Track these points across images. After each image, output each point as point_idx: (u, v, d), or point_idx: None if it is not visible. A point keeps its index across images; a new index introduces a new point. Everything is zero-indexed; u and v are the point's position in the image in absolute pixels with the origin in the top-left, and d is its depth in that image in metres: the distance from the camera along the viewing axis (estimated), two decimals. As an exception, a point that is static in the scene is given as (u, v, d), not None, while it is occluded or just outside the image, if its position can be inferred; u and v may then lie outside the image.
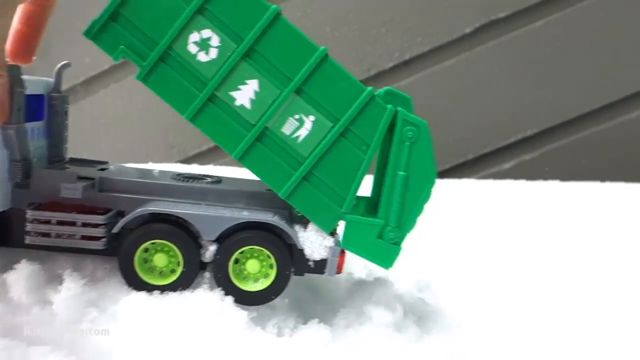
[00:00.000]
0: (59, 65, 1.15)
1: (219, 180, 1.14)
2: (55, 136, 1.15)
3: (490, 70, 2.59)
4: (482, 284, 1.40)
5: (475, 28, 2.53)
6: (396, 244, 1.05)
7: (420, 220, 1.59)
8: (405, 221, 1.05)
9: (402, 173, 1.03)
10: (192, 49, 1.00)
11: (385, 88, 1.05)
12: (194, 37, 1.00)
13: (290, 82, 1.00)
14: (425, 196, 1.04)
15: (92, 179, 1.08)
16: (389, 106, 1.02)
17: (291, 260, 1.06)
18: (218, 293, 1.03)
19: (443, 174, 2.60)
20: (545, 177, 2.38)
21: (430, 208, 1.83)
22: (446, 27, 2.55)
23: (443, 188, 2.12)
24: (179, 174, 1.14)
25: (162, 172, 1.16)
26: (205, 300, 1.00)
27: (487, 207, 1.86)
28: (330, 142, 1.01)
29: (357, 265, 1.35)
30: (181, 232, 1.03)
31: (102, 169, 1.16)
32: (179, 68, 1.00)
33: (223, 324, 0.97)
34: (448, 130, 2.65)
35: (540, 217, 1.82)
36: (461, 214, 1.85)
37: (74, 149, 1.22)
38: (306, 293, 1.20)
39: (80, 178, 1.07)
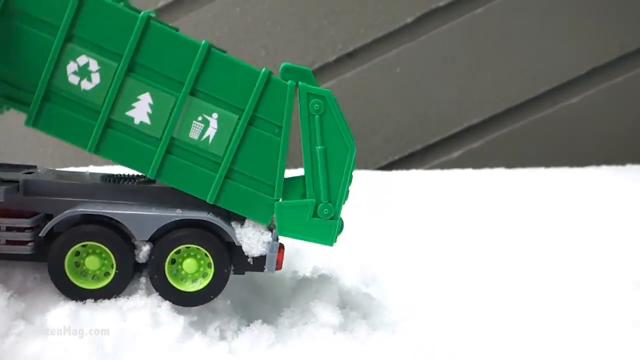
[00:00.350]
0: None
1: (152, 180, 1.09)
2: None
3: (434, 60, 2.59)
4: (429, 276, 1.39)
5: (417, 17, 2.52)
6: (333, 219, 1.02)
7: (367, 213, 1.59)
8: (336, 194, 1.02)
9: (319, 147, 1.00)
10: (74, 79, 0.96)
11: (283, 64, 1.01)
12: (72, 67, 0.96)
13: (182, 85, 0.96)
14: (349, 164, 1.01)
15: (16, 181, 1.03)
16: (289, 82, 0.98)
17: (229, 258, 1.03)
18: (155, 298, 0.99)
19: (392, 166, 2.59)
20: (492, 166, 2.39)
21: (376, 201, 1.84)
22: (388, 17, 2.53)
23: (390, 180, 2.13)
24: (110, 175, 1.10)
25: (92, 175, 1.12)
26: (141, 308, 0.97)
27: (434, 198, 1.86)
28: (240, 134, 0.98)
29: (301, 262, 1.32)
30: (112, 232, 1.00)
31: (29, 173, 1.11)
32: (67, 103, 0.96)
33: (160, 332, 0.94)
34: (395, 121, 2.64)
35: (486, 205, 1.82)
36: (407, 205, 1.84)
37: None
38: (250, 293, 1.17)
39: (4, 181, 1.02)
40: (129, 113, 0.97)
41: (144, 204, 1.04)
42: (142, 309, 0.97)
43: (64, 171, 1.17)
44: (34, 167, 1.15)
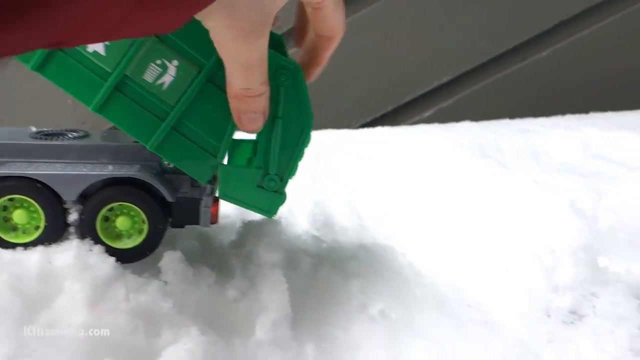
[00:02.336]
0: None
1: (85, 134, 1.07)
2: None
3: (403, 20, 2.58)
4: (382, 221, 1.41)
5: (382, -24, 2.52)
6: (278, 192, 0.99)
7: (326, 169, 1.58)
8: (284, 168, 0.98)
9: (278, 120, 0.95)
10: None
11: None
12: None
13: None
14: (304, 140, 0.98)
15: None
16: None
17: (163, 213, 1.02)
18: (86, 243, 0.99)
19: (363, 127, 2.59)
20: (461, 120, 2.38)
21: (339, 157, 1.85)
22: (354, -22, 2.53)
23: (355, 138, 2.13)
24: (40, 131, 1.07)
25: (20, 131, 1.08)
26: (69, 250, 0.97)
27: (394, 152, 1.87)
28: (197, 88, 0.93)
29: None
30: (37, 184, 0.98)
31: None
32: None
33: (88, 274, 0.94)
34: (365, 83, 2.64)
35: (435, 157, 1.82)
36: (369, 160, 1.85)
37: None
38: (195, 240, 1.18)
39: None
40: None
41: (74, 162, 1.01)
42: (69, 251, 0.96)
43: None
44: None
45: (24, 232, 1.01)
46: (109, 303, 0.90)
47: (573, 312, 0.97)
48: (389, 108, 2.72)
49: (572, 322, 0.95)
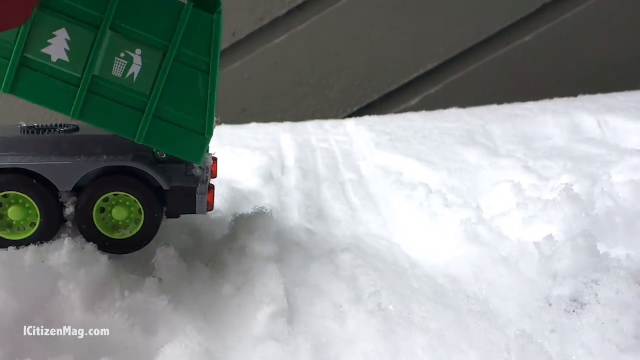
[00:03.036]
0: None
1: (76, 128, 1.06)
2: None
3: (386, 7, 2.56)
4: (375, 214, 1.39)
5: (363, -37, 2.49)
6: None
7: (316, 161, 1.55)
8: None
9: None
10: None
11: None
12: None
13: (101, 20, 0.90)
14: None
15: None
16: (215, 15, 0.93)
17: (159, 202, 1.01)
18: (79, 241, 0.97)
19: (350, 117, 2.57)
20: (447, 107, 2.37)
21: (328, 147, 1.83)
22: (336, -34, 2.50)
23: (343, 128, 2.11)
24: (31, 127, 1.05)
25: (10, 127, 1.07)
26: (61, 248, 0.95)
27: (387, 141, 1.84)
28: (166, 71, 0.93)
29: (248, 206, 1.31)
30: (31, 180, 0.96)
31: None
32: None
33: (83, 272, 0.92)
34: (350, 73, 2.62)
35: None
36: (357, 150, 1.83)
37: None
38: (188, 235, 1.15)
39: None
40: (45, 50, 0.90)
41: (67, 154, 1.00)
42: (62, 249, 0.94)
43: None
44: None
45: (19, 230, 0.99)
46: (104, 302, 0.89)
47: (575, 301, 0.95)
48: (375, 97, 2.70)
49: (574, 311, 0.94)
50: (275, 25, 2.58)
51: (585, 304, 0.93)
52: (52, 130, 1.04)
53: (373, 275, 1.06)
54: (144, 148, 0.99)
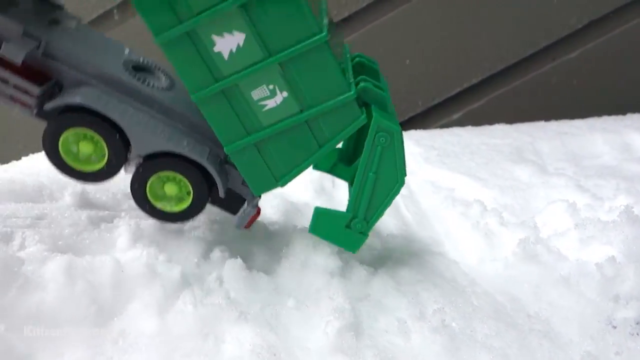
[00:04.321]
0: None
1: (171, 84, 1.07)
2: None
3: (431, 21, 2.57)
4: (427, 226, 1.40)
5: (410, -22, 2.51)
6: (363, 234, 1.07)
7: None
8: (372, 214, 1.07)
9: (372, 174, 1.03)
10: None
11: (362, 85, 1.02)
12: None
13: (278, 52, 0.93)
14: (394, 194, 1.06)
15: (38, 39, 0.97)
16: (362, 116, 1.00)
17: (208, 194, 1.05)
18: (152, 249, 1.01)
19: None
20: (491, 122, 2.37)
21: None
22: (382, -21, 2.52)
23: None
24: (132, 60, 1.06)
25: (115, 49, 1.07)
26: (138, 258, 0.98)
27: (433, 154, 1.85)
28: (292, 124, 0.98)
29: (301, 220, 1.33)
30: (105, 124, 0.99)
31: (54, 20, 1.04)
32: None
33: (156, 283, 0.95)
34: (393, 85, 2.62)
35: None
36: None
37: None
38: (249, 244, 1.17)
39: (26, 35, 0.96)
40: (214, 37, 0.92)
41: (153, 116, 1.02)
42: (139, 259, 0.97)
43: (91, 33, 1.09)
44: (61, 8, 1.08)
45: (91, 161, 1.02)
46: (177, 310, 0.91)
47: (639, 324, 0.95)
48: (418, 110, 2.71)
49: (638, 334, 0.94)
50: (321, 37, 2.61)
51: (651, 328, 0.93)
52: (150, 74, 1.06)
53: (434, 291, 1.08)
54: (219, 143, 1.02)
